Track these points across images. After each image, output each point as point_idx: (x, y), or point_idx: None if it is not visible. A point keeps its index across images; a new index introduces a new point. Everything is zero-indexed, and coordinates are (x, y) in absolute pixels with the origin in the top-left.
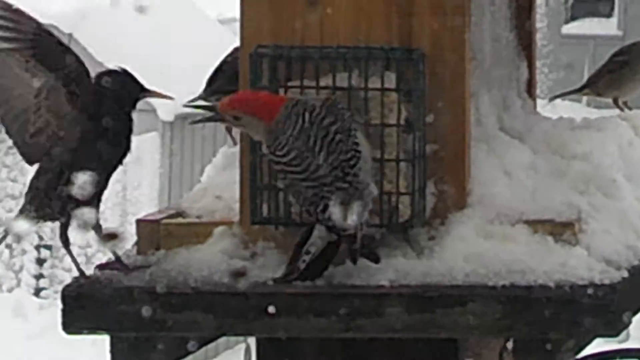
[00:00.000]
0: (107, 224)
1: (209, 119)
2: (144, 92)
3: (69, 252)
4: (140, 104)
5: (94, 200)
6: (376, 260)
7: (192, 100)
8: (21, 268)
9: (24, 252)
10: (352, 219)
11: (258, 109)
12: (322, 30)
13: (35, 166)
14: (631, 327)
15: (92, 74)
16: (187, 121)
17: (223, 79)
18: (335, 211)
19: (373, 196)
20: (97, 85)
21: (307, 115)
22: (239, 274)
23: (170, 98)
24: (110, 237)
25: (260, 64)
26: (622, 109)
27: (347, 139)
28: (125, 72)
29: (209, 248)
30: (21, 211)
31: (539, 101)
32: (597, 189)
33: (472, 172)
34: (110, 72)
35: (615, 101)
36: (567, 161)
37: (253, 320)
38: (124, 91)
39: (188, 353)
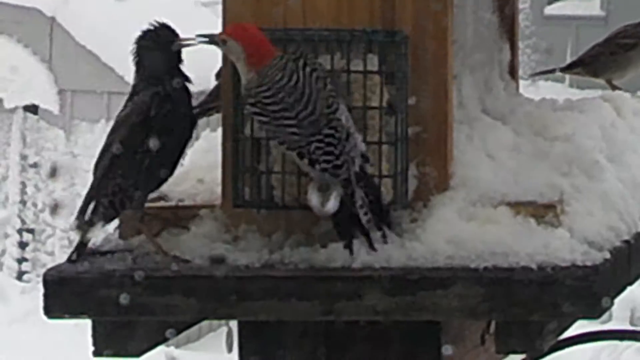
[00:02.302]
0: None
1: (204, 41)
2: (175, 42)
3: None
4: (118, 86)
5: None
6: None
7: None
8: (3, 252)
9: (6, 235)
10: (330, 205)
11: (249, 40)
12: (304, 12)
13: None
14: (614, 308)
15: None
16: None
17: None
18: (313, 197)
19: (362, 150)
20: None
21: (299, 73)
22: (217, 260)
23: (192, 41)
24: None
25: None
26: (614, 89)
27: (324, 87)
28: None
29: (191, 232)
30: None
31: (521, 82)
32: (580, 170)
33: (455, 155)
34: (142, 36)
35: (609, 82)
36: (550, 143)
37: (234, 304)
38: (158, 50)
39: (168, 338)
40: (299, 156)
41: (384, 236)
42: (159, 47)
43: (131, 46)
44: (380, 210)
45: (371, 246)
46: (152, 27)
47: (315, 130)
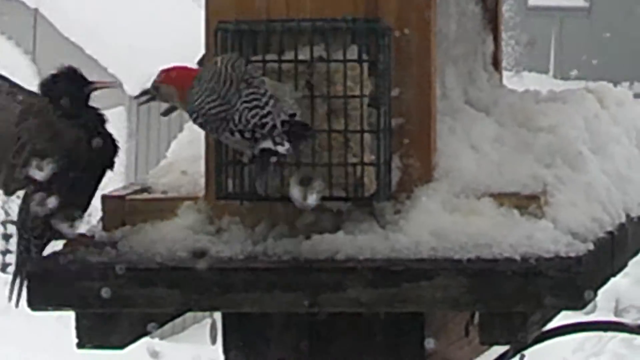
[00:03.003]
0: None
1: (146, 99)
2: (89, 85)
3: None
4: (102, 78)
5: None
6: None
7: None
8: None
9: None
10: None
11: (171, 78)
12: (287, 4)
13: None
14: (598, 299)
15: (56, 48)
16: None
17: None
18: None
19: (290, 111)
20: (45, 94)
21: (216, 67)
22: (199, 254)
23: (115, 86)
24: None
25: (225, 39)
26: None
27: (244, 71)
28: (65, 72)
29: (174, 224)
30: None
31: (505, 73)
32: (563, 161)
33: (438, 146)
34: (50, 79)
35: None
36: (533, 134)
37: (218, 296)
38: (70, 92)
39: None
40: (237, 134)
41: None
42: (72, 90)
43: (116, 40)
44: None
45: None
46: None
47: (238, 98)
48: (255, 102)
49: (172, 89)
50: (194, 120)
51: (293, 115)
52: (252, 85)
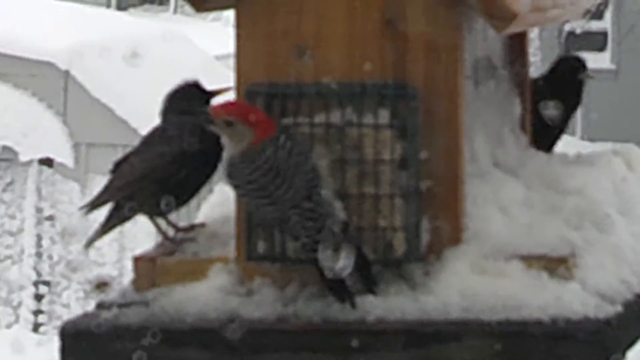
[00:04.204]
0: (105, 259)
1: (198, 122)
2: (209, 96)
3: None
4: (132, 139)
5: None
6: (371, 290)
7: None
8: (19, 304)
9: (22, 288)
10: (342, 264)
11: (256, 123)
12: (316, 67)
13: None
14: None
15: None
16: None
17: None
18: (325, 257)
19: (341, 219)
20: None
21: (279, 152)
22: (229, 320)
23: (228, 89)
24: (101, 286)
25: (255, 101)
26: None
27: (305, 160)
28: (187, 86)
29: (205, 285)
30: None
31: None
32: (591, 224)
33: (467, 208)
34: (174, 93)
35: None
36: (561, 196)
37: (248, 357)
38: (191, 104)
39: None
40: (279, 230)
41: (372, 292)
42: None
43: (147, 100)
44: (367, 268)
45: (352, 305)
46: (183, 87)
47: (294, 203)
48: (310, 223)
49: (250, 133)
50: (230, 180)
51: (345, 224)
52: (312, 197)
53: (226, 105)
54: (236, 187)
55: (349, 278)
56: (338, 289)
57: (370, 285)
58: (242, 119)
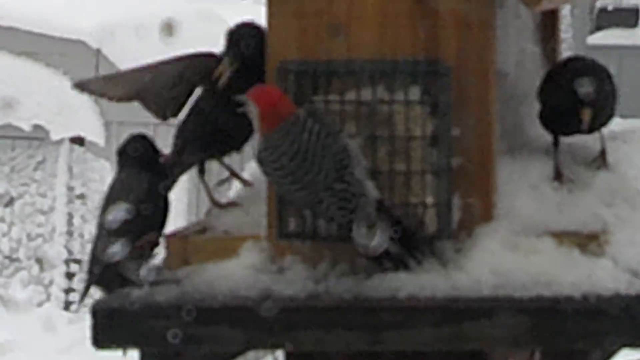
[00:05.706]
0: None
1: (238, 102)
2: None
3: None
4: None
5: None
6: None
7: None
8: (51, 282)
9: (53, 266)
10: (377, 241)
11: (264, 109)
12: (348, 45)
13: None
14: None
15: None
16: None
17: None
18: (360, 234)
19: (374, 197)
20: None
21: (305, 135)
22: (263, 298)
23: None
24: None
25: (286, 78)
26: None
27: (334, 142)
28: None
29: (236, 263)
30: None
31: None
32: (623, 200)
33: (498, 185)
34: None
35: None
36: (593, 173)
37: (280, 335)
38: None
39: None
40: (313, 213)
41: (419, 262)
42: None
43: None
44: (411, 240)
45: (406, 267)
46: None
47: (326, 186)
48: (343, 203)
49: (255, 110)
50: (257, 162)
51: (380, 203)
52: (344, 177)
53: (254, 89)
54: (267, 174)
55: (393, 249)
56: (383, 261)
57: (416, 256)
58: (252, 98)
